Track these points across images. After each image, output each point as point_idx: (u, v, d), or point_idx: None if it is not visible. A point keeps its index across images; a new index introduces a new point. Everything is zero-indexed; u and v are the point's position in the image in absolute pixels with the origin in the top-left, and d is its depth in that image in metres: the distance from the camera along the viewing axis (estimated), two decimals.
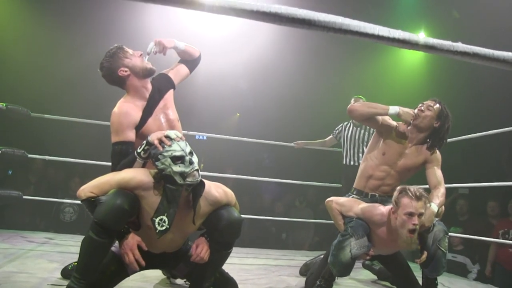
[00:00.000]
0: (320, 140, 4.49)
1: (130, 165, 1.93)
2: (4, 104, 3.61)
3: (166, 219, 1.81)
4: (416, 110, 2.59)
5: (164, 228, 1.80)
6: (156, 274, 2.53)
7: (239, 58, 6.11)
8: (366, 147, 3.05)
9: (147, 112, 2.13)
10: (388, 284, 2.99)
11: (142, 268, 2.06)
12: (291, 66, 6.49)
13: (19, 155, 3.68)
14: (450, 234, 2.87)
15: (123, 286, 2.12)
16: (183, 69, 2.37)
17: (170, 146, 1.84)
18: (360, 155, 4.09)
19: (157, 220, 1.80)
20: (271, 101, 6.78)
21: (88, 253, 1.77)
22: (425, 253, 2.26)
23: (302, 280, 2.86)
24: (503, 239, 4.09)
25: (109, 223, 1.72)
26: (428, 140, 2.59)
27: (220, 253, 1.97)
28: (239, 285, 2.19)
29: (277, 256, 4.04)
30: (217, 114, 7.33)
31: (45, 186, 5.05)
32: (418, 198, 2.11)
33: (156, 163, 1.83)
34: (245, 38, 5.89)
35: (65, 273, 2.41)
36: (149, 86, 2.17)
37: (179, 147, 1.83)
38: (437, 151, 2.60)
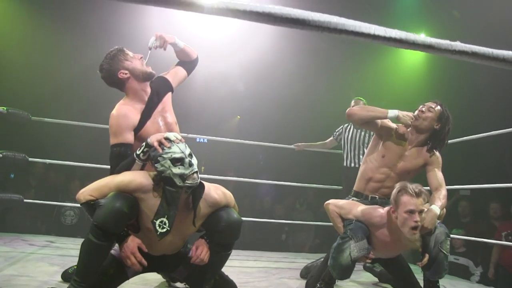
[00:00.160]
0: (321, 142, 4.48)
1: (128, 167, 1.93)
2: (5, 108, 3.61)
3: (167, 221, 1.81)
4: (416, 112, 2.57)
5: (165, 230, 1.81)
6: (156, 277, 2.52)
7: (239, 60, 6.12)
8: (366, 149, 3.04)
9: (146, 115, 2.13)
10: (389, 286, 2.97)
11: (142, 271, 2.06)
12: (291, 67, 6.49)
13: (19, 159, 3.68)
14: (452, 236, 2.86)
15: None
16: (181, 71, 2.37)
17: (169, 148, 1.84)
18: (361, 157, 4.07)
19: (157, 222, 1.81)
20: (271, 103, 6.78)
21: (88, 256, 1.77)
22: (427, 256, 2.24)
23: (303, 282, 2.85)
24: (506, 241, 4.06)
25: (108, 226, 1.72)
26: (428, 142, 2.58)
27: (220, 254, 1.97)
28: None
29: (277, 258, 4.02)
30: (218, 117, 7.33)
31: (45, 190, 5.04)
32: (417, 194, 2.10)
33: (156, 165, 1.83)
34: (245, 40, 5.89)
35: (66, 276, 2.40)
36: (148, 90, 2.17)
37: (179, 149, 1.83)
38: (438, 153, 2.59)
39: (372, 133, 3.99)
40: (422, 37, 0.72)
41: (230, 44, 5.87)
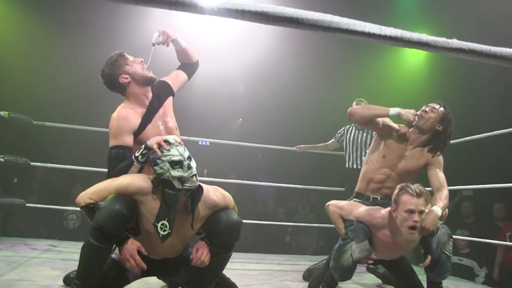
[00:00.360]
0: (322, 144, 4.47)
1: (126, 169, 1.93)
2: (7, 113, 3.62)
3: (168, 224, 1.81)
4: (419, 112, 2.56)
5: (166, 232, 1.82)
6: (158, 281, 2.51)
7: (240, 63, 6.12)
8: (368, 150, 3.03)
9: (146, 119, 2.13)
10: None
11: (143, 275, 2.06)
12: (293, 69, 6.49)
13: (22, 163, 3.70)
14: (456, 237, 2.84)
15: None
16: (182, 75, 2.37)
17: (168, 150, 1.84)
18: (363, 158, 4.06)
19: (159, 225, 1.81)
20: (273, 105, 6.77)
21: (88, 258, 1.77)
22: (429, 257, 2.23)
23: (306, 285, 2.83)
24: (510, 241, 4.03)
25: (108, 228, 1.72)
26: (429, 143, 2.56)
27: (220, 256, 1.96)
28: None
29: (280, 261, 4.01)
30: (220, 120, 7.34)
31: (48, 194, 5.06)
32: (418, 195, 2.08)
33: (155, 167, 1.83)
34: (245, 42, 5.89)
35: (68, 280, 2.40)
36: (150, 94, 2.17)
37: (178, 152, 1.83)
38: (439, 154, 2.57)
39: (373, 134, 3.99)
40: (417, 34, 0.71)
41: (231, 46, 5.87)
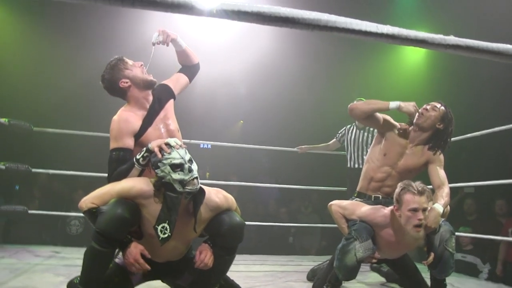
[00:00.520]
0: (324, 144, 4.47)
1: (127, 172, 1.93)
2: (7, 120, 3.63)
3: (168, 227, 1.81)
4: (421, 110, 2.57)
5: (166, 235, 1.81)
6: (162, 284, 2.50)
7: (240, 65, 6.12)
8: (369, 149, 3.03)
9: (147, 121, 2.13)
10: (396, 286, 2.94)
11: (147, 279, 2.06)
12: (293, 70, 6.49)
13: (23, 170, 3.69)
14: (459, 234, 2.84)
15: None
16: (183, 78, 2.37)
17: (169, 153, 1.84)
18: (364, 157, 4.05)
19: (159, 228, 1.81)
20: (274, 107, 6.77)
21: (91, 263, 1.77)
22: (432, 255, 2.23)
23: (310, 285, 2.83)
24: None
25: (110, 231, 1.72)
26: (430, 141, 2.56)
27: (224, 258, 1.96)
28: None
29: (284, 262, 4.00)
30: (221, 122, 7.34)
31: (50, 200, 5.05)
32: (420, 193, 2.09)
33: (156, 170, 1.84)
34: (246, 44, 5.89)
35: (71, 286, 2.36)
36: (150, 98, 2.17)
37: (179, 155, 1.84)
38: (439, 152, 2.58)
39: (374, 133, 3.99)
40: (414, 32, 0.71)
41: (231, 48, 5.87)
